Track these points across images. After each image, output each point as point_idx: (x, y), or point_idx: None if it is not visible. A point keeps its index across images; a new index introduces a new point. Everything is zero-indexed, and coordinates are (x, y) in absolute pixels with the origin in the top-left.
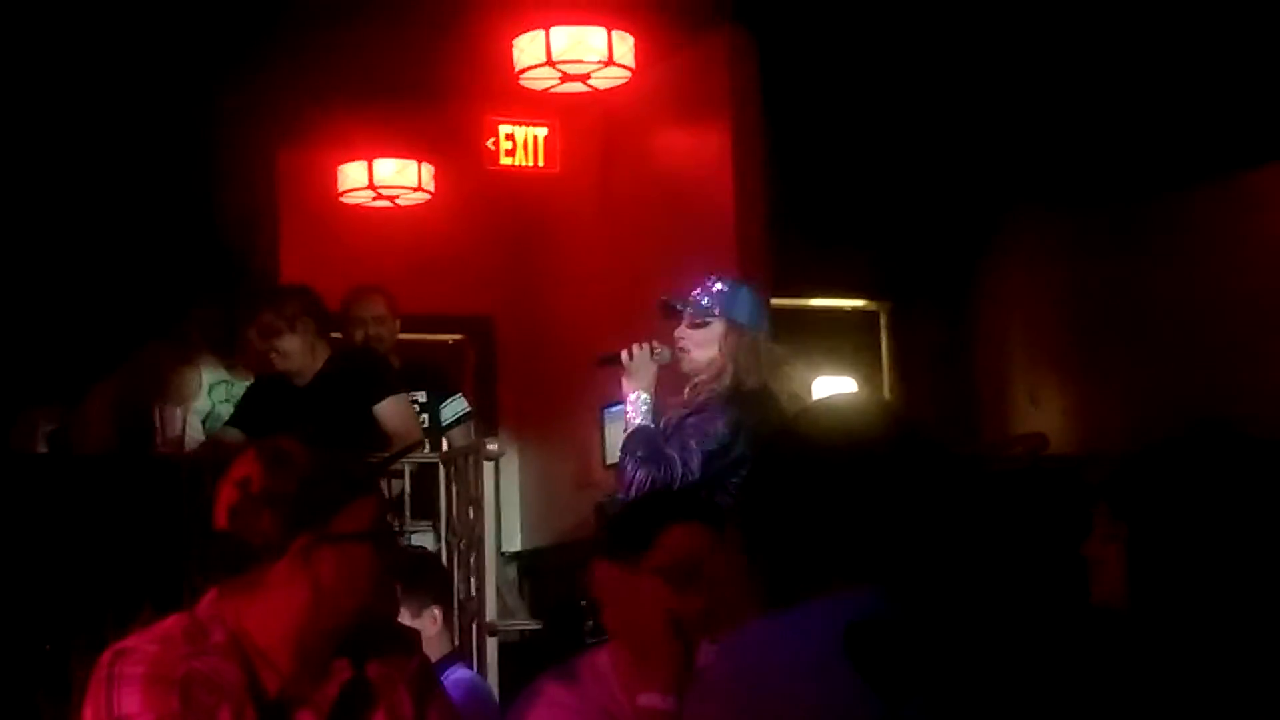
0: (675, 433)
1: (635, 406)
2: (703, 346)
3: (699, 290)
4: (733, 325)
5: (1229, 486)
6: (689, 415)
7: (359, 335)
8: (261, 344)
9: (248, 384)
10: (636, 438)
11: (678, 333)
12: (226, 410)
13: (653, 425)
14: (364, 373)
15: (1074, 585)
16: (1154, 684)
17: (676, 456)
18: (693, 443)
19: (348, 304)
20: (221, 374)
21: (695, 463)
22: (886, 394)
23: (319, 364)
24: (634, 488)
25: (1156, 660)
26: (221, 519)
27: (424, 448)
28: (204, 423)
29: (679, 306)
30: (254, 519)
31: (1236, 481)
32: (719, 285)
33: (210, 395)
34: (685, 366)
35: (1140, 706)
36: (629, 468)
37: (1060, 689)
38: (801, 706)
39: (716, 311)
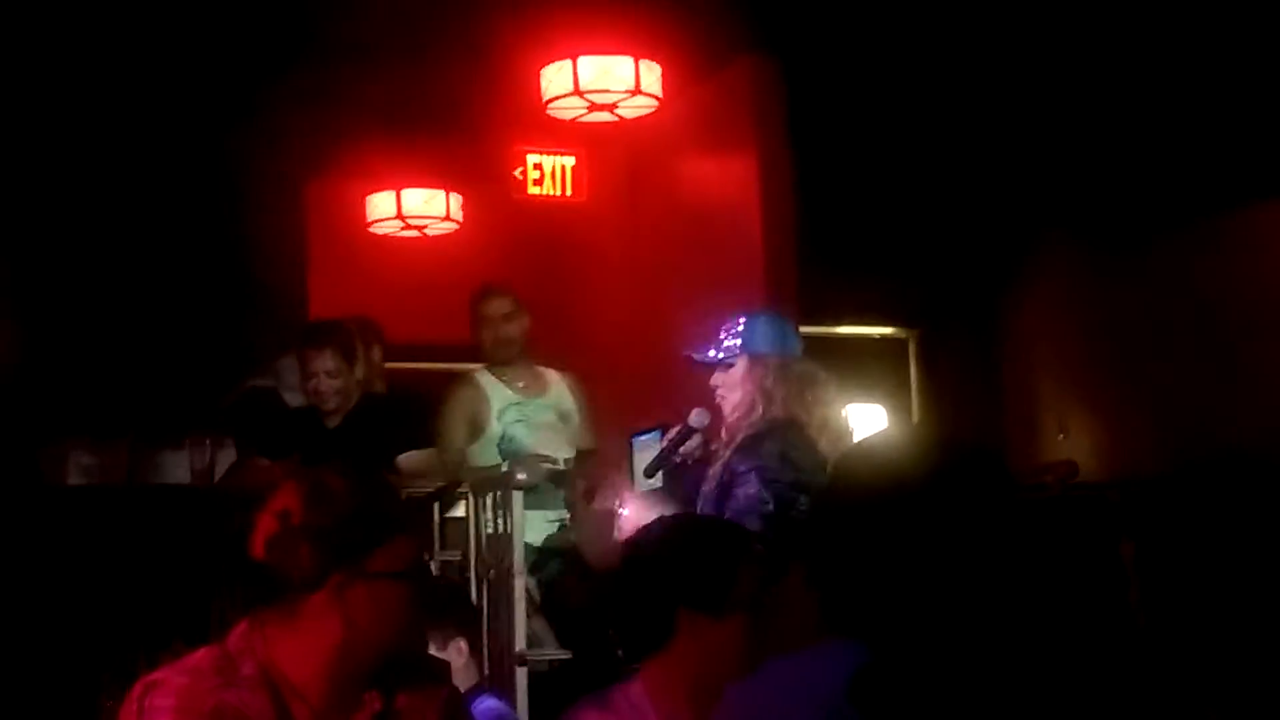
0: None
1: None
2: (734, 388)
3: (723, 334)
4: (755, 358)
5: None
6: (727, 479)
7: (488, 337)
8: (321, 377)
9: (539, 401)
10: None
11: (712, 381)
12: (520, 431)
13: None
14: (392, 422)
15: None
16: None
17: None
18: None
19: (475, 303)
20: (513, 396)
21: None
22: (914, 421)
23: (352, 405)
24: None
25: (1167, 685)
26: (259, 549)
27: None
28: (499, 445)
29: (697, 357)
30: (292, 552)
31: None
32: (740, 323)
33: (501, 419)
34: (726, 411)
35: None
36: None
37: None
38: None
39: (738, 349)
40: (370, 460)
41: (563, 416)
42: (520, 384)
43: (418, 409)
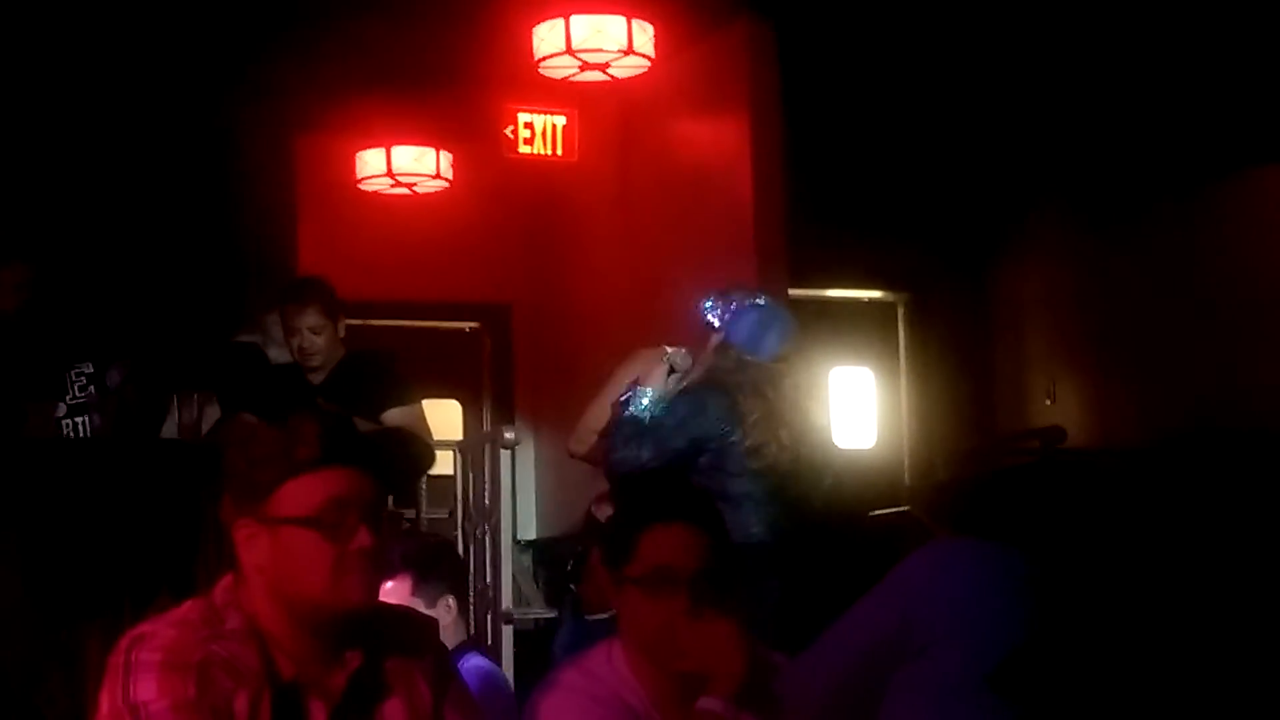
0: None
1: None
2: (703, 355)
3: (731, 304)
4: (724, 345)
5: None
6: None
7: None
8: (305, 334)
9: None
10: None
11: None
12: None
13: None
14: (376, 378)
15: None
16: None
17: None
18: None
19: None
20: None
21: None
22: (903, 384)
23: (334, 362)
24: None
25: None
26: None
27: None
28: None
29: (706, 314)
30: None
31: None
32: (740, 304)
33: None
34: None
35: None
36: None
37: None
38: None
39: (725, 324)
40: (357, 414)
41: None
42: None
43: (401, 365)
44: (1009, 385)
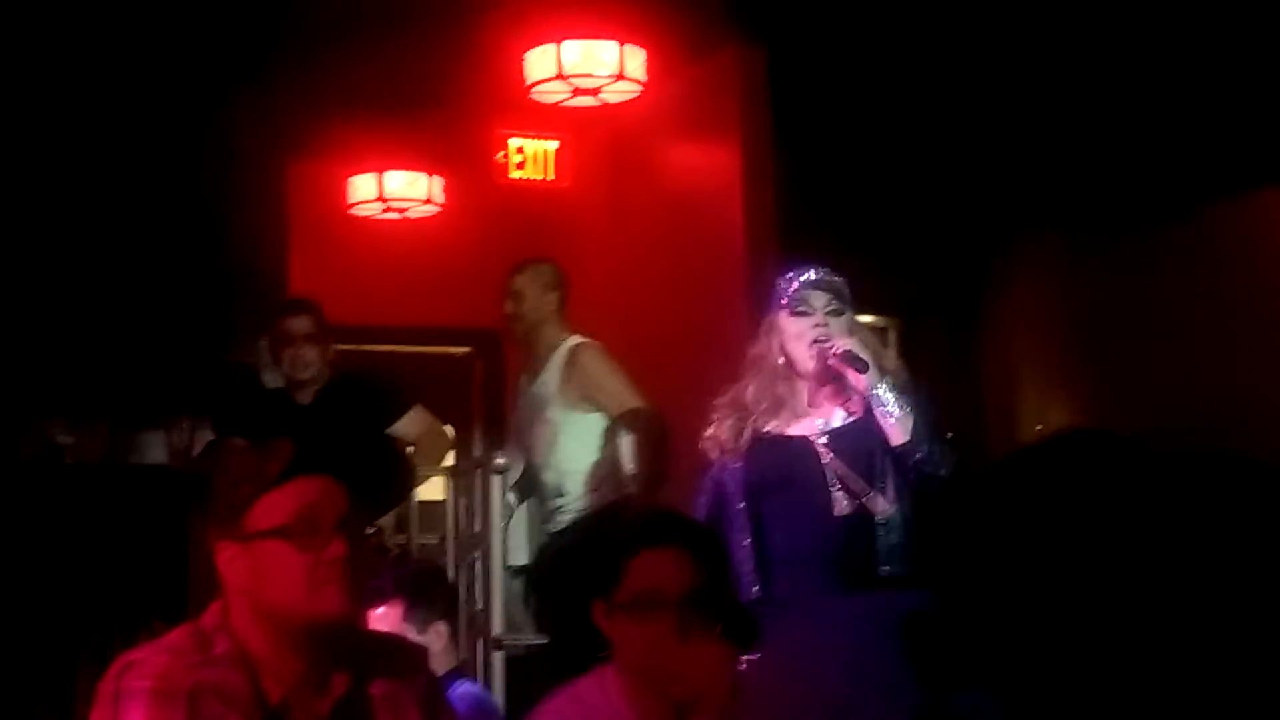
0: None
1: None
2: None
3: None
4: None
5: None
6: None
7: (508, 307)
8: (300, 343)
9: None
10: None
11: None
12: None
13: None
14: (372, 395)
15: None
16: None
17: None
18: None
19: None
20: None
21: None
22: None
23: (322, 382)
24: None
25: None
26: None
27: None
28: None
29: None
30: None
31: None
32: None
33: None
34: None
35: None
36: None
37: None
38: None
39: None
40: (353, 431)
41: None
42: None
43: (387, 384)
44: (999, 411)
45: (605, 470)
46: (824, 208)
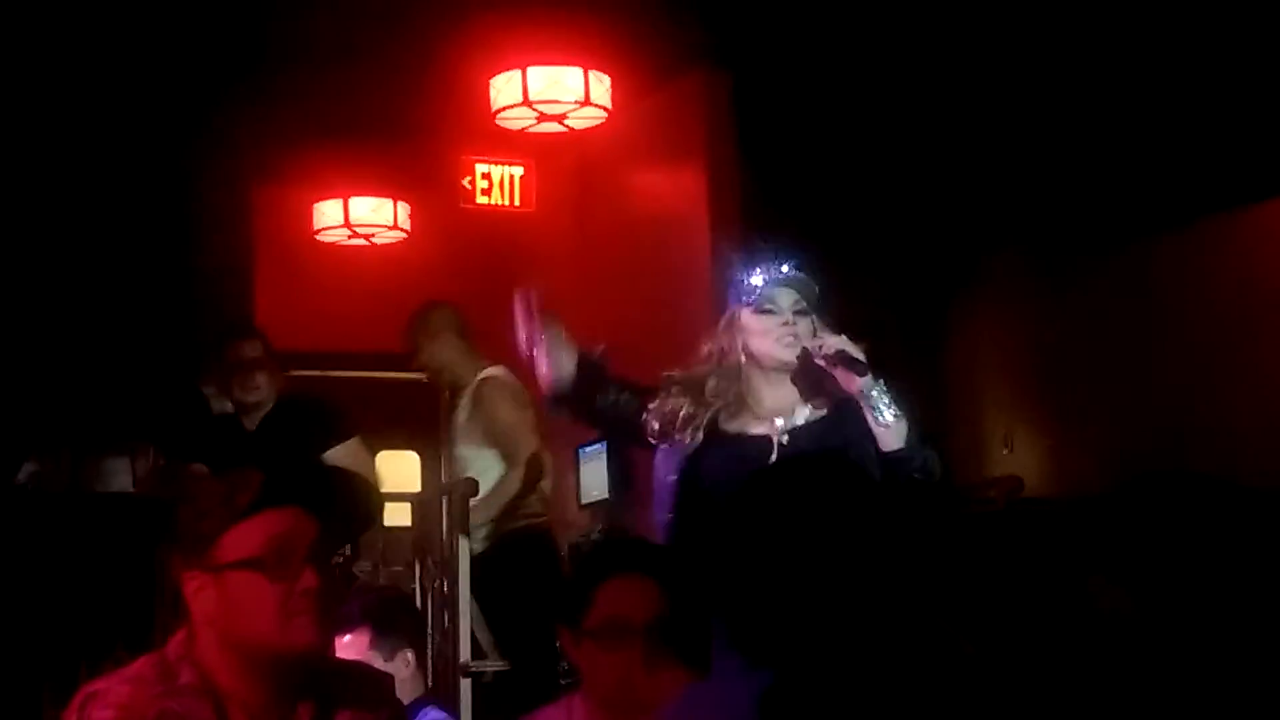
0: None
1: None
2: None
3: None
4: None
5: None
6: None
7: (414, 362)
8: (248, 366)
9: None
10: None
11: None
12: None
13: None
14: (311, 418)
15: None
16: None
17: None
18: None
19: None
20: None
21: None
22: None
23: (269, 406)
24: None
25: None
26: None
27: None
28: None
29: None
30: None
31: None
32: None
33: None
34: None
35: None
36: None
37: None
38: None
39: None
40: (294, 456)
41: None
42: None
43: (331, 408)
44: (966, 434)
45: (495, 508)
46: (789, 232)
